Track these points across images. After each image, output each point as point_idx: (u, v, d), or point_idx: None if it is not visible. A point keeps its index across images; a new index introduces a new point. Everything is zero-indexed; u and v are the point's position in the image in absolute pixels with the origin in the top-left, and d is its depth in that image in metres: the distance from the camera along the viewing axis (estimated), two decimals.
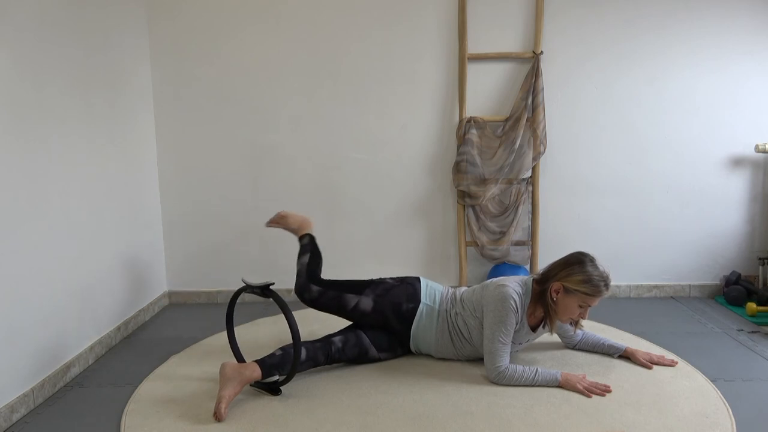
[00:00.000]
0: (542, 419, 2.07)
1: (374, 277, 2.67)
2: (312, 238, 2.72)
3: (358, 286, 2.56)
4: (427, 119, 3.55)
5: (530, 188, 3.52)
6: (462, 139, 3.47)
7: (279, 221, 2.78)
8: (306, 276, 2.57)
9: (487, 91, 3.52)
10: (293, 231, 2.78)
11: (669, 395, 2.24)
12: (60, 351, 2.48)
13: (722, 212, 3.59)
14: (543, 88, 3.42)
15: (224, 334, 2.59)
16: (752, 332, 2.99)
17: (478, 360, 2.50)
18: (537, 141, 3.44)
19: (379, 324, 2.54)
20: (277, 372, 2.27)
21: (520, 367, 2.32)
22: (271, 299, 2.28)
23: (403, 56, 3.49)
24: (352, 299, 2.52)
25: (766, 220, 3.60)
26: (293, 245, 3.57)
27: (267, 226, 2.82)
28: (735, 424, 2.04)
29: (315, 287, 2.54)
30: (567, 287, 2.28)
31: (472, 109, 3.52)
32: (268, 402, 2.22)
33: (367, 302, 2.51)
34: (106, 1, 2.92)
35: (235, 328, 2.50)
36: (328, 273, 3.53)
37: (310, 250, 2.66)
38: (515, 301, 2.33)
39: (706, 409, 2.14)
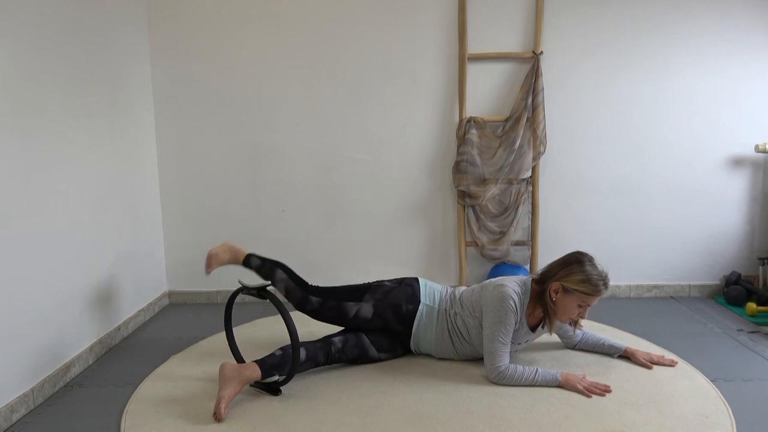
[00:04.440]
0: (542, 419, 2.07)
1: (372, 279, 2.67)
2: (257, 256, 2.61)
3: (356, 292, 2.54)
4: (427, 119, 3.55)
5: (530, 188, 3.52)
6: (462, 139, 3.47)
7: (213, 262, 2.61)
8: (300, 289, 2.53)
9: (487, 91, 3.52)
10: (233, 261, 2.63)
11: (669, 395, 2.24)
12: (60, 351, 2.48)
13: (722, 212, 3.59)
14: (543, 88, 3.42)
15: (224, 334, 2.59)
16: (752, 332, 2.99)
17: (478, 360, 2.50)
18: (537, 141, 3.44)
19: (380, 327, 2.54)
20: (276, 372, 2.27)
21: (520, 367, 2.32)
22: (267, 300, 2.27)
23: (403, 56, 3.49)
24: (352, 307, 2.50)
25: (766, 220, 3.60)
26: (293, 245, 3.58)
27: (207, 273, 2.64)
28: (735, 424, 2.05)
29: (314, 298, 2.51)
30: (566, 287, 2.29)
31: (472, 109, 3.52)
32: (268, 402, 2.22)
33: (367, 309, 2.50)
34: (106, 1, 2.92)
35: (234, 329, 2.51)
36: (329, 274, 3.55)
37: (273, 265, 2.57)
38: (514, 301, 2.33)
39: (706, 409, 2.14)
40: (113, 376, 2.55)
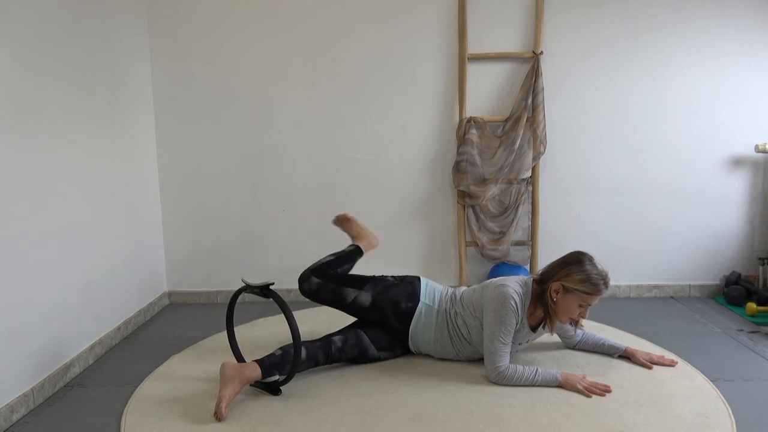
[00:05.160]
0: (542, 419, 2.07)
1: (375, 274, 2.67)
2: (357, 249, 2.71)
3: (358, 281, 2.56)
4: (427, 119, 3.55)
5: (530, 188, 3.52)
6: (462, 139, 3.47)
7: (342, 222, 2.83)
8: (313, 268, 2.56)
9: (487, 91, 3.52)
10: (349, 235, 2.82)
11: (669, 395, 2.24)
12: (60, 351, 2.48)
13: (722, 212, 3.59)
14: (543, 88, 3.42)
15: (224, 334, 2.59)
16: (752, 332, 2.99)
17: (478, 360, 2.50)
18: (537, 141, 3.44)
19: (378, 321, 2.54)
20: (277, 372, 2.27)
21: (520, 367, 2.32)
22: (270, 299, 2.28)
23: (403, 56, 3.49)
24: (350, 293, 2.52)
25: (766, 220, 3.60)
26: (293, 245, 3.59)
27: (333, 223, 2.87)
28: (735, 424, 2.05)
29: (315, 279, 2.53)
30: (566, 287, 2.28)
31: (472, 109, 3.52)
32: (268, 402, 2.22)
33: (365, 297, 2.51)
34: (106, 1, 2.92)
35: (235, 328, 2.50)
36: None
37: (341, 255, 2.66)
38: (515, 302, 2.33)
39: (706, 409, 2.14)
40: (113, 376, 2.55)
